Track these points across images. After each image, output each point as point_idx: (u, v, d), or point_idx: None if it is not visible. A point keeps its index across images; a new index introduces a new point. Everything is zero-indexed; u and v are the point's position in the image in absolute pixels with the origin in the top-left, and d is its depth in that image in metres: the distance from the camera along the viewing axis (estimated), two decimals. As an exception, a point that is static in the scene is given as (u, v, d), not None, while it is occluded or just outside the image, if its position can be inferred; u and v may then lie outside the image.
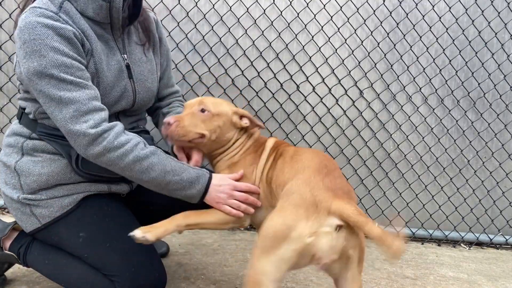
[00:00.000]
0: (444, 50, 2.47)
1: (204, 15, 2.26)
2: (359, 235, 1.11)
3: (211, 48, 2.29)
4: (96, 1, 1.23)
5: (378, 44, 2.41)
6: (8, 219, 1.57)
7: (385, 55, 2.43)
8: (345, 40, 2.38)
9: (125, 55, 1.34)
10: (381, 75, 2.44)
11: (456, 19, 2.46)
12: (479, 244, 2.68)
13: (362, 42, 2.40)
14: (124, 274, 1.24)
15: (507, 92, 2.57)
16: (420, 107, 2.51)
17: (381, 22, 2.40)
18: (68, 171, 1.27)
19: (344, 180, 1.21)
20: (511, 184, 2.66)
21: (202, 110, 1.32)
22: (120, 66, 1.32)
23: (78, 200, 1.29)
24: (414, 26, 2.42)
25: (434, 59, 2.47)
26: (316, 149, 2.39)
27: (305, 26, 2.34)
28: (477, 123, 2.57)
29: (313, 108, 2.42)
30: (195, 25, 2.26)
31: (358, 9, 2.35)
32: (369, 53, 2.42)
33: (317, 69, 2.38)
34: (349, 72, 2.42)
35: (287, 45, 2.35)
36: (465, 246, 2.65)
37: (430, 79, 2.49)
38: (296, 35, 2.35)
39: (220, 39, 2.29)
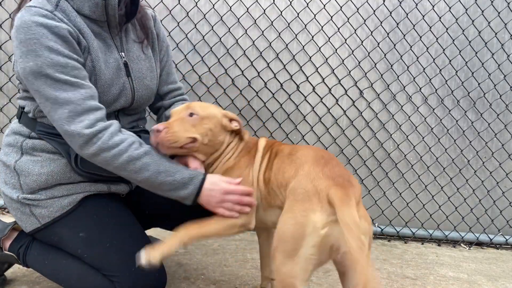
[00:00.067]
0: (444, 50, 2.47)
1: (204, 15, 2.26)
2: (367, 221, 1.13)
3: (211, 48, 2.29)
4: None
5: (378, 44, 2.41)
6: (8, 219, 1.57)
7: (385, 55, 2.43)
8: (345, 40, 2.38)
9: (122, 53, 1.34)
10: (381, 75, 2.44)
11: (456, 19, 2.46)
12: (479, 244, 2.68)
13: (362, 42, 2.40)
14: (124, 274, 1.24)
15: (507, 92, 2.57)
16: (420, 107, 2.51)
17: (381, 22, 2.40)
18: (68, 170, 1.27)
19: (343, 168, 1.21)
20: (511, 184, 2.66)
21: (191, 114, 1.28)
22: (118, 64, 1.32)
23: (78, 200, 1.29)
24: (414, 26, 2.42)
25: (434, 59, 2.47)
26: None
27: (305, 26, 2.34)
28: (477, 123, 2.57)
29: (313, 108, 2.42)
30: (195, 25, 2.26)
31: (358, 9, 2.35)
32: (369, 53, 2.42)
33: (317, 69, 2.38)
34: (349, 72, 2.42)
35: (287, 45, 2.35)
36: (465, 246, 2.64)
37: (430, 79, 2.49)
38: (296, 35, 2.35)
39: (220, 39, 2.29)
